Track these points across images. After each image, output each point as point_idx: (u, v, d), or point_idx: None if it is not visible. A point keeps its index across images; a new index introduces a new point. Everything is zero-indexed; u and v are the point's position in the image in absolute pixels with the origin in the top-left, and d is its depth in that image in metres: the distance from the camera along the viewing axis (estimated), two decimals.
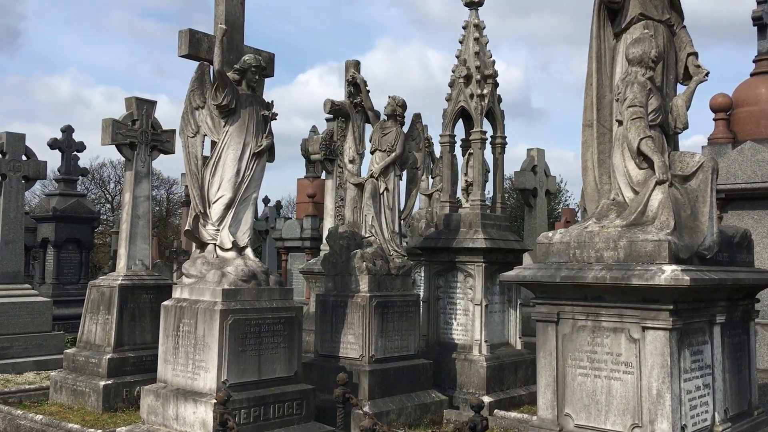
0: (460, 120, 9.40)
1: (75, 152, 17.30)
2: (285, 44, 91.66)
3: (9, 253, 11.14)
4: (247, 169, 6.55)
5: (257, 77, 6.67)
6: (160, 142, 9.62)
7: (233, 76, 6.56)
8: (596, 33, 5.19)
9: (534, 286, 4.73)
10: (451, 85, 9.38)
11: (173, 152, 9.89)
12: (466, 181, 9.27)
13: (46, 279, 16.15)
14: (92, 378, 8.53)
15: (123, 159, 9.49)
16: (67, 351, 9.17)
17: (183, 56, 6.59)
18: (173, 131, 9.83)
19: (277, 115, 6.77)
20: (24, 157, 11.60)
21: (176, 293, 6.51)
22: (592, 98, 5.16)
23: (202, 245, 6.64)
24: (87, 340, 9.04)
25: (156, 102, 9.63)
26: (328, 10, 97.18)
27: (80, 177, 19.09)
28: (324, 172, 11.93)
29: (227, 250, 6.47)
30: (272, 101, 6.80)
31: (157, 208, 46.85)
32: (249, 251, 6.58)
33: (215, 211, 6.50)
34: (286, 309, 6.50)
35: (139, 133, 9.34)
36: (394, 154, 7.99)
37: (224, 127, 6.52)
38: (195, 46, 6.51)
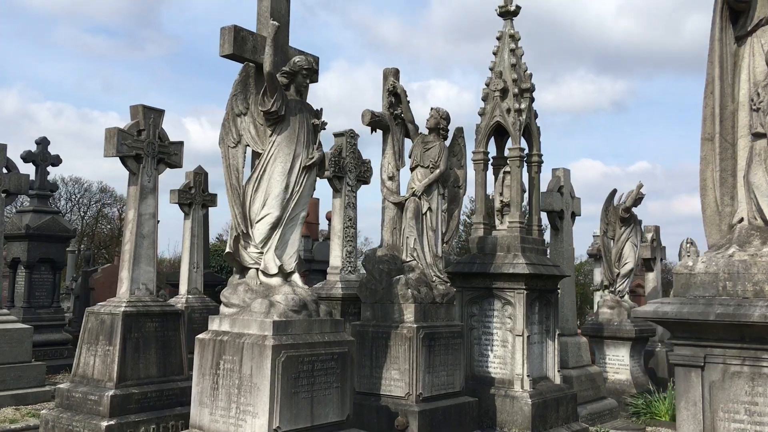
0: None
1: (50, 166, 16.49)
2: (237, 63, 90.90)
3: None
4: (297, 184, 5.79)
5: (307, 81, 5.94)
6: (167, 154, 8.78)
7: (281, 79, 5.81)
8: (718, 36, 4.63)
9: (676, 325, 4.08)
10: (485, 99, 8.78)
11: (180, 166, 9.05)
12: (502, 201, 8.64)
13: (15, 302, 14.95)
14: (91, 417, 7.58)
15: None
16: (61, 386, 8.18)
17: (226, 56, 5.82)
18: (181, 143, 9.01)
19: (326, 124, 6.05)
20: (5, 170, 10.60)
21: (214, 325, 5.68)
22: (713, 108, 4.58)
23: (243, 269, 5.84)
24: (84, 374, 8.08)
25: (164, 111, 8.79)
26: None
27: (51, 192, 17.92)
28: (332, 190, 11.17)
29: (272, 275, 5.68)
30: (321, 108, 6.08)
31: (109, 226, 45.25)
32: (297, 277, 5.80)
33: (259, 232, 5.71)
34: (339, 343, 5.73)
35: (145, 144, 8.48)
36: (438, 171, 7.31)
37: (271, 136, 5.76)
38: (239, 45, 5.75)
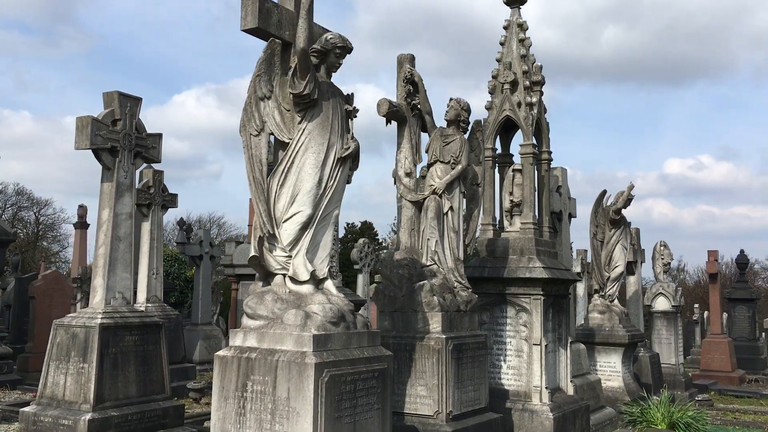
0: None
1: None
2: (161, 63, 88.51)
3: None
4: (331, 178, 5.07)
5: (341, 62, 5.23)
6: (145, 147, 7.89)
7: (311, 59, 5.08)
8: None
9: None
10: (492, 92, 8.24)
11: (159, 160, 8.18)
12: (512, 201, 8.10)
13: None
14: None
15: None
16: (26, 410, 7.18)
17: (248, 30, 5.03)
18: (159, 135, 8.14)
19: (358, 110, 5.36)
20: None
21: (236, 340, 4.88)
22: None
23: (267, 276, 5.07)
24: (53, 396, 7.11)
25: (141, 99, 7.90)
26: (207, 30, 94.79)
27: None
28: None
29: (303, 282, 4.94)
30: (352, 93, 5.38)
31: (24, 231, 42.80)
32: (330, 284, 5.07)
33: (287, 233, 4.96)
34: (378, 359, 5.03)
35: (121, 135, 7.58)
36: (459, 167, 6.70)
37: (300, 123, 5.02)
38: (264, 18, 4.99)
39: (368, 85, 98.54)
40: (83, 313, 7.33)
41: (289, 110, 5.08)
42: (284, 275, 4.99)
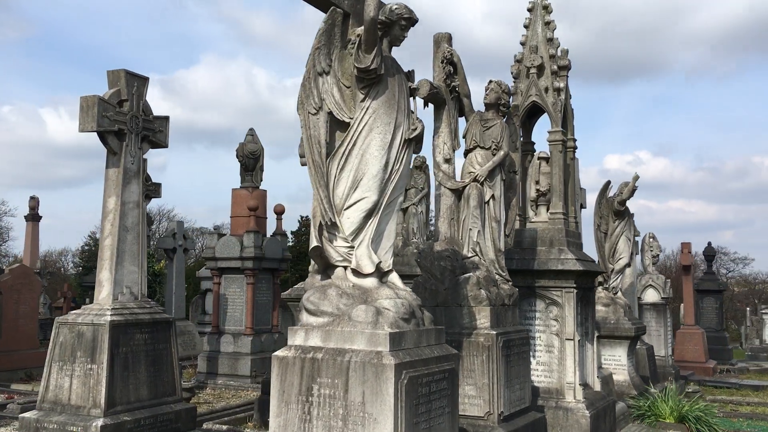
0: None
1: None
2: (103, 53, 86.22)
3: None
4: (397, 161, 4.64)
5: (405, 35, 4.81)
6: (152, 131, 7.34)
7: None
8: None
9: None
10: (516, 76, 7.91)
11: (166, 145, 7.62)
12: (538, 190, 7.79)
13: None
14: None
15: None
16: (26, 416, 6.57)
17: None
18: (166, 118, 7.59)
19: (418, 90, 4.95)
20: None
21: (297, 338, 4.43)
22: None
23: (327, 268, 4.63)
24: (56, 400, 6.53)
25: (148, 79, 7.33)
26: (151, 20, 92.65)
27: None
28: None
29: (367, 275, 4.51)
30: (413, 70, 4.97)
31: None
32: (396, 277, 4.65)
33: (349, 221, 4.52)
34: (447, 358, 4.64)
35: (129, 117, 7.01)
36: (501, 153, 6.35)
37: (363, 101, 4.59)
38: None
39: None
40: (89, 310, 6.75)
41: (349, 87, 4.64)
42: (345, 267, 4.56)
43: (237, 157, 14.75)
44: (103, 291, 6.82)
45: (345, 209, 4.55)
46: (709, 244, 23.82)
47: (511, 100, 6.66)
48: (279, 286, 14.94)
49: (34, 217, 26.69)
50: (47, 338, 18.70)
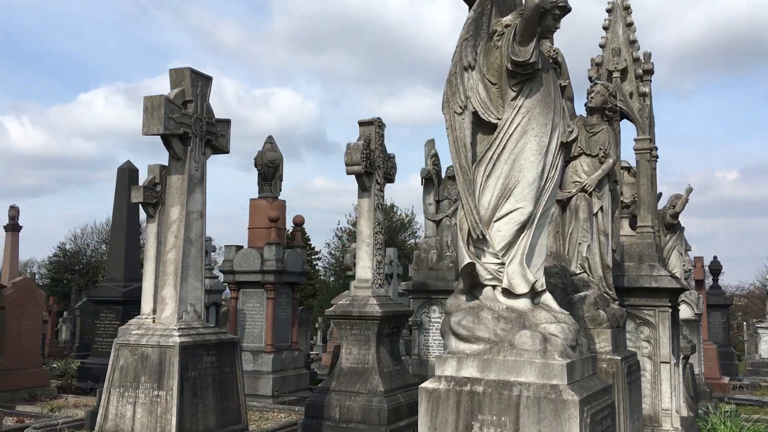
0: None
1: None
2: (66, 59, 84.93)
3: None
4: (552, 167, 4.13)
5: (558, 26, 4.31)
6: (215, 135, 6.74)
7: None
8: None
9: None
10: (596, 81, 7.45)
11: (228, 150, 7.01)
12: (622, 202, 7.33)
13: None
14: None
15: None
16: None
17: None
18: (228, 121, 6.98)
19: (565, 87, 4.46)
20: None
21: (447, 368, 3.87)
22: None
23: (473, 287, 4.09)
24: (117, 430, 5.88)
25: (212, 79, 6.74)
26: (116, 28, 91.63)
27: None
28: (359, 189, 9.39)
29: (519, 296, 3.99)
30: (558, 53, 4.46)
31: None
32: (550, 298, 4.13)
33: (500, 234, 4.00)
34: (607, 390, 4.12)
35: (193, 120, 6.42)
36: (610, 161, 5.88)
37: (515, 99, 4.07)
38: None
39: (284, 89, 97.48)
40: (152, 330, 6.12)
41: (495, 84, 4.13)
42: (494, 287, 4.03)
43: (255, 165, 14.16)
44: (167, 309, 6.19)
45: (495, 221, 4.02)
46: (715, 258, 23.65)
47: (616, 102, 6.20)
48: (298, 301, 14.35)
49: (14, 227, 25.72)
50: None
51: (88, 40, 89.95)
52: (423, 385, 3.87)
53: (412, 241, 40.88)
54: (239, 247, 13.89)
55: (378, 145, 9.56)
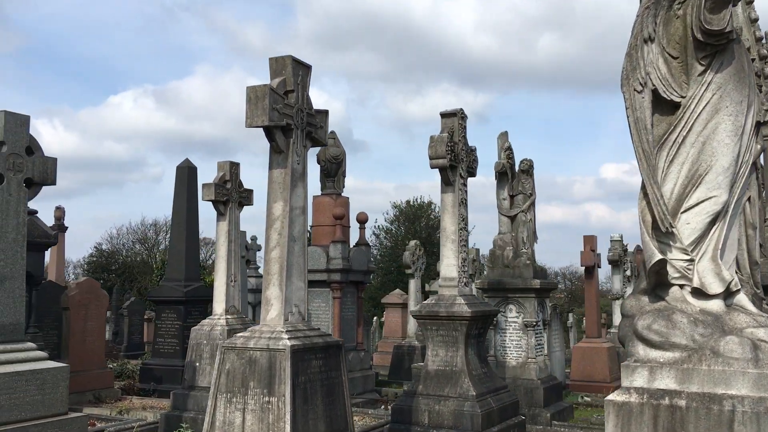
0: None
1: None
2: (95, 63, 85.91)
3: (5, 295, 7.13)
4: (747, 150, 3.68)
5: None
6: (314, 126, 6.37)
7: None
8: None
9: None
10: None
11: (325, 143, 6.66)
12: None
13: None
14: None
15: None
16: None
17: None
18: (326, 112, 6.61)
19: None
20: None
21: (637, 379, 3.44)
22: None
23: (657, 286, 3.65)
24: None
25: (311, 67, 6.37)
26: (144, 31, 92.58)
27: None
28: (442, 184, 8.97)
29: (712, 296, 3.54)
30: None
31: None
32: (744, 298, 3.68)
33: (689, 227, 3.56)
34: None
35: (295, 111, 6.05)
36: (759, 147, 5.38)
37: (702, 74, 3.63)
38: None
39: (311, 89, 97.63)
40: (258, 333, 5.76)
41: (676, 58, 3.68)
42: (681, 286, 3.58)
43: (318, 161, 13.82)
44: (273, 310, 5.83)
45: (682, 212, 3.58)
46: None
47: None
48: (362, 300, 14.00)
49: (60, 228, 25.77)
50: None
51: (117, 43, 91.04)
52: (610, 397, 3.44)
53: None
54: None
55: (461, 138, 9.14)
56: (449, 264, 8.88)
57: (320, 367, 5.81)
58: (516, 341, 11.08)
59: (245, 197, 11.08)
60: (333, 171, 13.64)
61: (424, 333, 8.99)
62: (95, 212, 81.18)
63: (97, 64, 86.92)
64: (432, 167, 8.97)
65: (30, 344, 7.46)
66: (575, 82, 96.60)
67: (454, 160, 8.86)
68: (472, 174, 9.49)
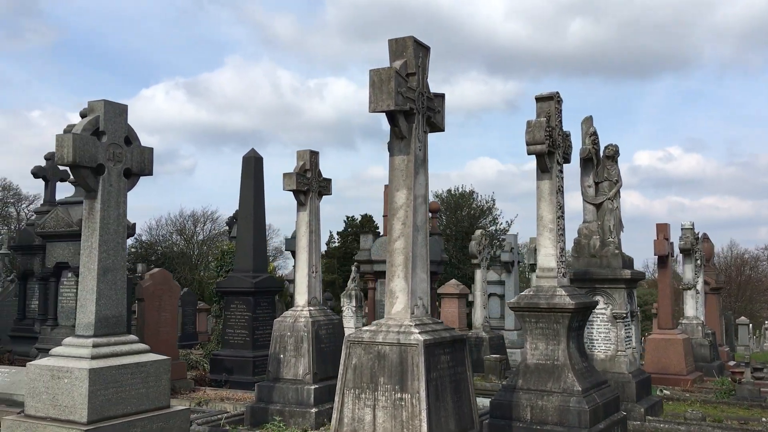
0: None
1: (59, 181, 15.45)
2: (131, 57, 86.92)
3: (107, 287, 7.03)
4: None
5: None
6: (433, 111, 6.13)
7: None
8: None
9: None
10: None
11: (443, 128, 6.41)
12: None
13: (60, 320, 11.79)
14: None
15: None
16: None
17: None
18: (442, 96, 6.37)
19: None
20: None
21: None
22: None
23: None
24: None
25: (430, 49, 6.12)
26: (174, 24, 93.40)
27: None
28: (538, 171, 8.67)
29: None
30: None
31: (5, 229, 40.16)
32: None
33: None
34: None
35: (417, 95, 5.82)
36: None
37: None
38: None
39: (339, 79, 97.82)
40: (385, 326, 5.55)
41: None
42: None
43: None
44: (398, 303, 5.62)
45: None
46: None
47: None
48: (436, 290, 13.78)
49: None
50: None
51: (149, 36, 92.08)
52: None
53: (493, 227, 40.09)
54: (376, 235, 13.37)
55: (557, 123, 8.83)
56: (547, 254, 8.61)
57: (448, 362, 5.60)
58: (604, 333, 10.75)
59: (324, 186, 10.93)
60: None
61: (522, 325, 8.73)
62: (130, 203, 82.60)
63: (129, 57, 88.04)
64: (529, 153, 8.69)
65: (132, 336, 7.40)
66: (607, 67, 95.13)
67: (551, 145, 8.58)
68: (567, 160, 9.19)
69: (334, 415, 5.43)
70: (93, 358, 6.12)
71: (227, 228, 28.66)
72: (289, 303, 13.30)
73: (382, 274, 12.98)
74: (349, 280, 29.53)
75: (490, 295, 18.26)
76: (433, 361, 5.35)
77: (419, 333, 5.31)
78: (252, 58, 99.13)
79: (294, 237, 17.73)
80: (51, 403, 6.06)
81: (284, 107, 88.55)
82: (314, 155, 10.75)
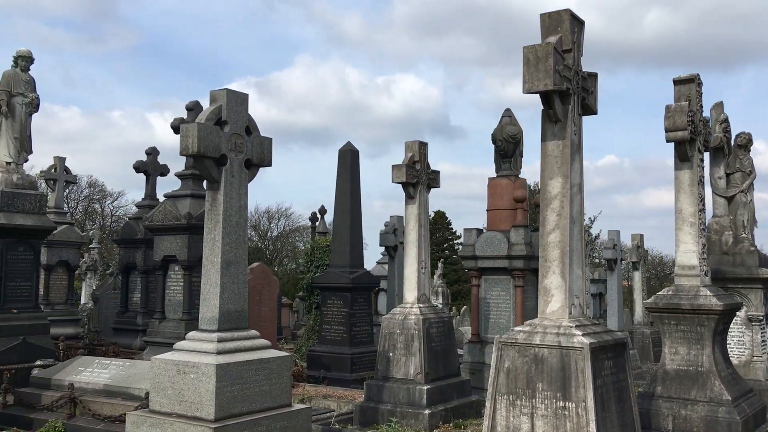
0: None
1: (160, 175, 15.66)
2: (205, 58, 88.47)
3: (230, 281, 6.72)
4: None
5: None
6: (587, 92, 5.56)
7: None
8: None
9: None
10: None
11: (596, 111, 5.83)
12: None
13: (167, 314, 11.72)
14: None
15: None
16: None
17: None
18: (595, 75, 5.78)
19: None
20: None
21: None
22: None
23: None
24: None
25: (584, 23, 5.56)
26: (246, 24, 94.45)
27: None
28: (677, 160, 7.96)
29: None
30: None
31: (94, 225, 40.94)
32: None
33: None
34: None
35: (572, 74, 5.27)
36: None
37: None
38: None
39: (407, 75, 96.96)
40: (541, 327, 5.03)
41: None
42: None
43: (493, 141, 13.02)
44: (554, 302, 5.09)
45: None
46: None
47: None
48: None
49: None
50: None
51: (222, 36, 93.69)
52: None
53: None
54: (479, 231, 12.84)
55: (698, 107, 8.09)
56: (688, 250, 7.90)
57: (611, 368, 5.03)
58: (738, 337, 9.93)
59: (433, 179, 10.47)
60: (510, 151, 12.81)
61: (659, 327, 8.05)
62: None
63: (203, 57, 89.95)
64: (668, 141, 7.97)
65: (254, 332, 7.11)
66: (685, 59, 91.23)
67: (693, 132, 7.84)
68: (707, 149, 8.44)
69: (486, 423, 4.95)
70: (218, 353, 5.83)
71: (310, 223, 28.53)
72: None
73: (486, 271, 12.43)
74: (435, 276, 28.95)
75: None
76: (597, 366, 4.80)
77: (582, 335, 4.78)
78: (321, 56, 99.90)
79: (389, 232, 17.40)
80: (177, 399, 5.80)
81: (352, 104, 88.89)
82: (423, 146, 10.29)
